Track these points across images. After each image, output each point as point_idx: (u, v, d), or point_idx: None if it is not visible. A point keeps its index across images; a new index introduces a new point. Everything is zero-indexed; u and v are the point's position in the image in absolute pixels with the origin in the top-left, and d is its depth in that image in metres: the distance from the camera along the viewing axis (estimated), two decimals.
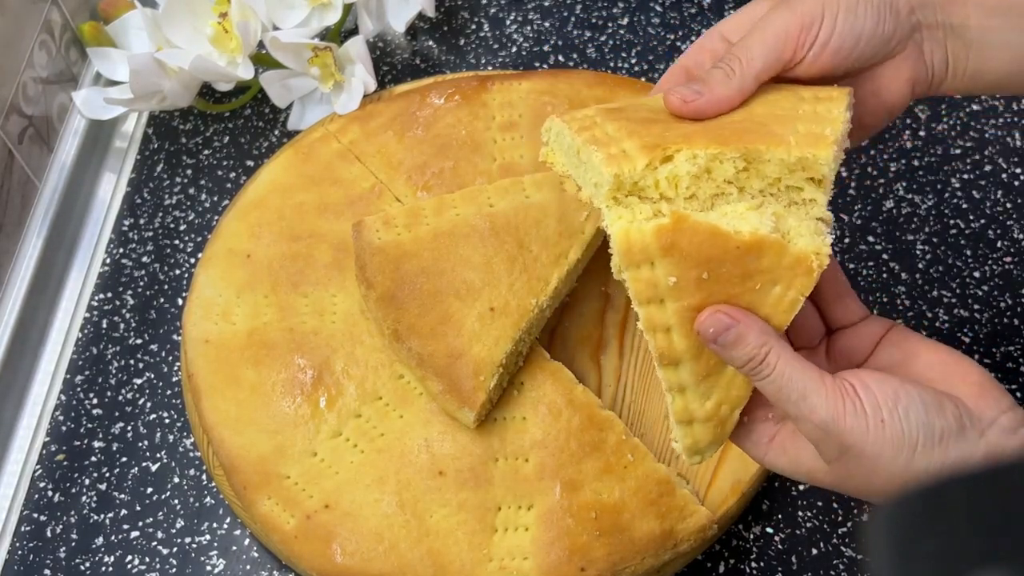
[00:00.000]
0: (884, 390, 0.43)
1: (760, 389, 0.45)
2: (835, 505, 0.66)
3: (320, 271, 0.70)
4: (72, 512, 0.67)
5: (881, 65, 0.50)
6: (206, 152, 0.82)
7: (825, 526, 0.65)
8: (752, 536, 0.65)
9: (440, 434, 0.63)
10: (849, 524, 0.65)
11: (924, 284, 0.74)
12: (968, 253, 0.75)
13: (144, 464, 0.69)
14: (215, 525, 0.66)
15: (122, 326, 0.74)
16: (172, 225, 0.79)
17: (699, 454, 0.49)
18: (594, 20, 0.88)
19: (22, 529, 0.67)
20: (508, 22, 0.88)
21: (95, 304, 0.75)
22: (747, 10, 0.52)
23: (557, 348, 0.68)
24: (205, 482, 0.68)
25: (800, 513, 0.66)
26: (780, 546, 0.64)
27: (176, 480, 0.68)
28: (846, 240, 0.76)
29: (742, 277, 0.44)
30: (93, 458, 0.69)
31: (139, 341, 0.74)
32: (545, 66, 0.86)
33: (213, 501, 0.67)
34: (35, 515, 0.67)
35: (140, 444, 0.69)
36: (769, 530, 0.65)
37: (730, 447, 0.64)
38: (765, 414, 0.49)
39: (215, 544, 0.66)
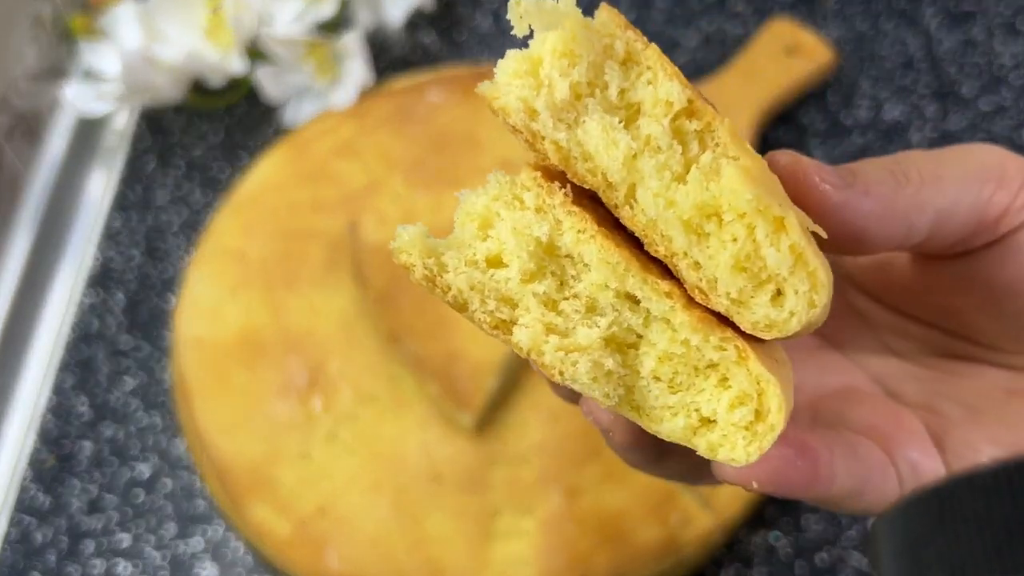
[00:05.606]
0: None
1: None
2: None
3: (315, 270, 0.68)
4: (62, 516, 0.66)
5: None
6: (199, 148, 0.81)
7: (831, 532, 0.64)
8: (757, 542, 0.64)
9: (437, 438, 0.62)
10: (855, 530, 0.64)
11: None
12: None
13: (135, 468, 0.67)
14: (207, 530, 0.65)
15: (113, 326, 0.73)
16: (164, 223, 0.77)
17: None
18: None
19: (10, 534, 0.65)
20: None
21: (85, 303, 0.74)
22: None
23: None
24: (197, 486, 0.67)
25: (805, 519, 0.64)
26: (786, 551, 0.63)
27: (168, 484, 0.67)
28: None
29: None
30: (83, 461, 0.68)
31: (130, 341, 0.72)
32: None
33: (205, 506, 0.66)
34: (24, 519, 0.66)
35: (131, 447, 0.68)
36: (774, 536, 0.64)
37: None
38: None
39: (207, 549, 0.65)
